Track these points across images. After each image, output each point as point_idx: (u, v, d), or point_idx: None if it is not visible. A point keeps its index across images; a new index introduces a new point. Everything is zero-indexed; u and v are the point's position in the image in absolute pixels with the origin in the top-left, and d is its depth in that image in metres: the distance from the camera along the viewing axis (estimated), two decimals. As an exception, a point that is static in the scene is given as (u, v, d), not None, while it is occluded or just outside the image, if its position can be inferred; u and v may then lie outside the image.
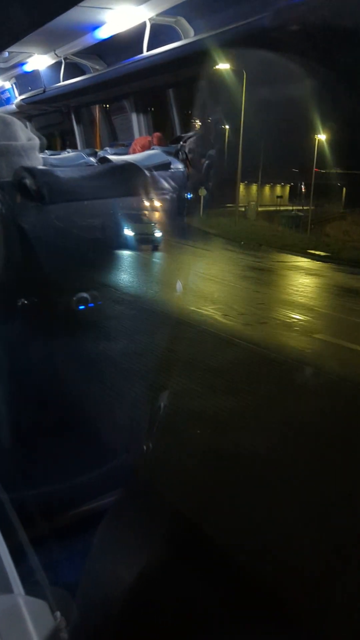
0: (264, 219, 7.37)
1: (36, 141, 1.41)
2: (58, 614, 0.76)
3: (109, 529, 0.81)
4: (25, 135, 1.41)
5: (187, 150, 3.13)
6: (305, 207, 6.99)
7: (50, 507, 1.31)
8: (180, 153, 3.13)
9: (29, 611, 0.75)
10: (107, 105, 6.66)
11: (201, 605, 0.62)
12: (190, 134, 3.25)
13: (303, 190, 6.46)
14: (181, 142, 3.24)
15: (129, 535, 0.76)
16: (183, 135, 3.41)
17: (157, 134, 3.90)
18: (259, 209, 7.50)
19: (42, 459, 1.31)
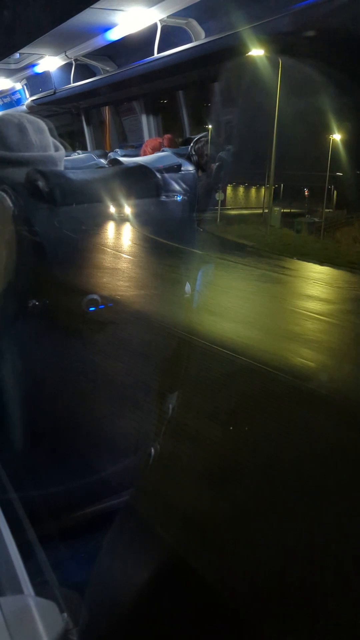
0: (282, 225, 6.73)
1: (62, 150, 1.41)
2: (67, 615, 0.76)
3: (119, 530, 0.81)
4: (54, 140, 1.41)
5: (194, 152, 3.13)
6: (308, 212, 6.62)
7: (60, 507, 1.31)
8: (191, 155, 3.12)
9: (39, 612, 0.75)
10: (117, 107, 6.67)
11: (212, 608, 0.61)
12: (200, 135, 3.23)
13: (306, 193, 6.22)
14: (191, 144, 3.23)
15: (139, 537, 0.76)
16: (192, 137, 3.40)
17: (168, 135, 3.90)
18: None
19: (52, 459, 1.32)
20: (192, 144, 3.16)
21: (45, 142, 1.36)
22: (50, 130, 1.39)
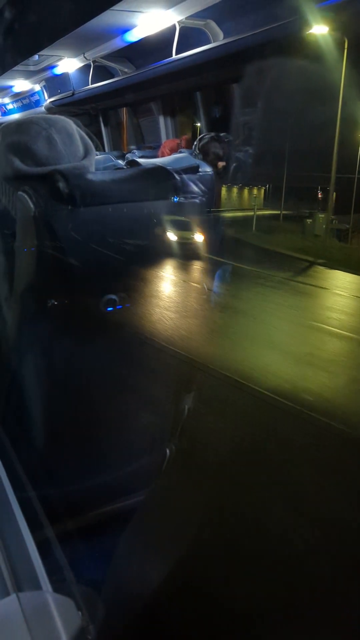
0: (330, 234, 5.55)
1: (92, 152, 1.39)
2: (84, 612, 0.77)
3: (137, 528, 0.81)
4: (84, 140, 1.39)
5: (198, 150, 3.10)
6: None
7: (77, 505, 1.32)
8: (196, 154, 3.10)
9: (57, 608, 0.76)
10: (135, 108, 6.69)
11: (230, 606, 0.62)
12: (205, 133, 3.21)
13: (320, 196, 5.91)
14: (195, 142, 3.21)
15: (156, 536, 0.76)
16: (202, 136, 3.38)
17: (186, 136, 3.91)
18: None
19: (70, 458, 1.33)
20: (196, 142, 3.14)
21: (74, 149, 1.34)
22: (78, 130, 1.37)
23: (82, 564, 1.05)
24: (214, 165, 2.97)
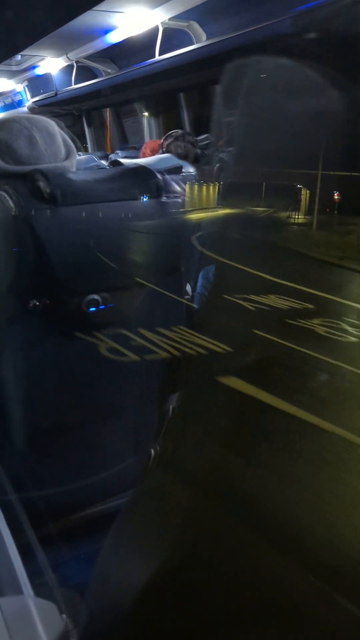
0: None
1: (74, 153, 1.38)
2: (66, 616, 0.76)
3: (120, 531, 0.80)
4: (65, 140, 1.38)
5: (163, 149, 3.06)
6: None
7: (60, 508, 1.31)
8: (162, 153, 3.04)
9: (39, 613, 0.75)
10: (118, 109, 6.67)
11: (214, 610, 0.61)
12: (171, 132, 3.14)
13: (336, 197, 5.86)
14: (161, 141, 3.14)
15: (140, 538, 0.76)
16: (167, 134, 3.32)
17: (168, 138, 3.90)
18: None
19: (51, 460, 1.31)
20: (161, 140, 3.09)
21: (55, 150, 1.33)
22: (60, 131, 1.36)
23: (64, 567, 1.04)
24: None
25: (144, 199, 1.36)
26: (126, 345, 1.20)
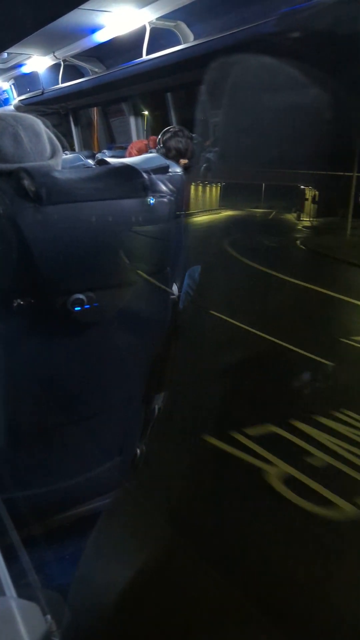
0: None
1: (59, 152, 1.38)
2: (50, 617, 0.76)
3: (103, 531, 0.80)
4: (51, 139, 1.37)
5: (162, 144, 3.03)
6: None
7: (43, 508, 1.30)
8: (159, 149, 3.02)
9: (21, 614, 0.74)
10: (105, 108, 6.65)
11: (197, 609, 0.61)
12: (169, 127, 3.11)
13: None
14: (159, 136, 3.12)
15: (122, 538, 0.76)
16: (165, 130, 3.30)
17: (154, 137, 3.88)
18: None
19: (34, 461, 1.31)
20: (159, 136, 3.07)
21: (41, 148, 1.32)
22: (46, 130, 1.36)
23: (47, 568, 1.03)
24: (176, 161, 2.88)
25: (150, 201, 1.35)
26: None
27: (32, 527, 1.18)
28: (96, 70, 5.56)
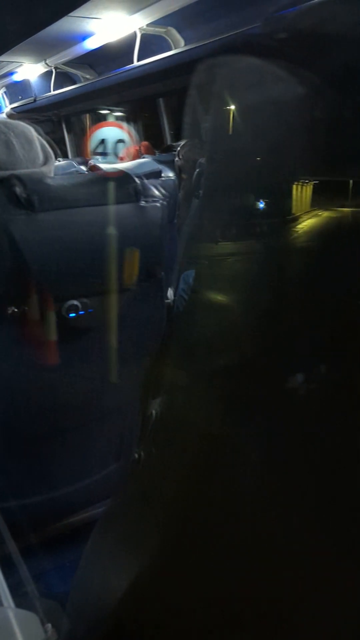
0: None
1: (52, 160, 1.37)
2: (49, 626, 0.75)
3: (100, 539, 0.80)
4: (43, 147, 1.37)
5: (181, 157, 3.07)
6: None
7: (40, 517, 1.30)
8: (177, 160, 3.07)
9: (20, 624, 0.74)
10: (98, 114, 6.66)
11: (194, 618, 0.61)
12: (182, 142, 3.17)
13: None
14: (177, 149, 3.16)
15: (120, 546, 0.75)
16: (174, 144, 3.34)
17: (145, 143, 3.90)
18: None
19: (32, 468, 1.30)
20: (178, 149, 3.10)
21: (32, 155, 1.32)
22: (38, 137, 1.36)
23: (45, 577, 1.03)
24: (192, 172, 2.93)
25: (158, 204, 1.34)
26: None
27: (29, 536, 1.17)
28: (88, 77, 5.57)
